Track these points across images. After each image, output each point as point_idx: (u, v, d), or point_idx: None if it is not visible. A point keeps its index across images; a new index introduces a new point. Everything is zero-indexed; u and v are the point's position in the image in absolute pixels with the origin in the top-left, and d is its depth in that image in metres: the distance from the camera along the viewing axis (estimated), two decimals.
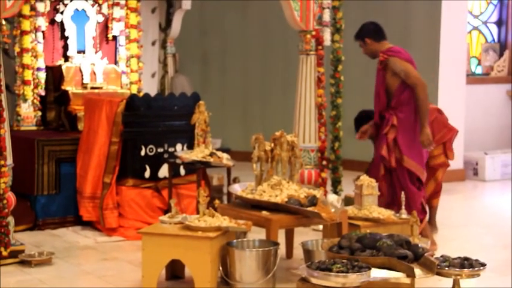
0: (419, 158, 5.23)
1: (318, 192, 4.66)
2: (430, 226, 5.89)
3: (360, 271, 3.41)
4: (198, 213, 4.48)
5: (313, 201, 4.49)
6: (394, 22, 8.91)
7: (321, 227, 5.32)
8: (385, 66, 5.28)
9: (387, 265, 3.56)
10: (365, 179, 4.89)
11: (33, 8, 6.53)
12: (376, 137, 5.41)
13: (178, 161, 5.67)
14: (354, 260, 3.53)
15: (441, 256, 3.84)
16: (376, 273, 3.49)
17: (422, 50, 8.72)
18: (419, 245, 3.77)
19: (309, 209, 4.41)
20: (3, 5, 4.66)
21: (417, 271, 3.53)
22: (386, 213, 4.70)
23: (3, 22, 4.79)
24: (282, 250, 4.48)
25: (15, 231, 4.99)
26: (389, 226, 4.57)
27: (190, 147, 5.87)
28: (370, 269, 3.45)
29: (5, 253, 4.75)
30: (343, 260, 3.53)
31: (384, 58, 5.26)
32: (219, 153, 5.63)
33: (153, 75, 7.82)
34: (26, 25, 6.51)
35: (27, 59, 6.54)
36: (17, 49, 6.52)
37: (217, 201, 4.74)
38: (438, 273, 3.67)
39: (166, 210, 5.77)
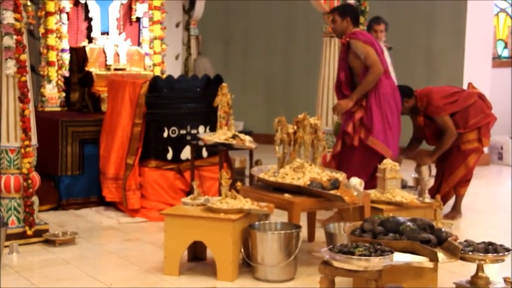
0: (384, 137, 5.31)
1: (340, 176, 4.63)
2: (455, 212, 5.84)
3: (383, 255, 3.40)
4: (220, 195, 4.48)
5: (335, 184, 4.46)
6: (420, 4, 8.81)
7: None
8: (347, 48, 5.34)
9: (410, 249, 3.54)
10: (388, 162, 4.86)
11: None
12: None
13: (200, 143, 5.67)
14: (377, 244, 3.51)
15: (465, 241, 3.81)
16: (399, 257, 3.47)
17: (448, 33, 8.62)
18: (443, 229, 3.74)
19: (332, 192, 4.39)
20: None
21: (440, 255, 3.51)
22: (409, 197, 4.66)
23: (28, 3, 4.80)
24: (303, 233, 4.46)
25: (39, 211, 5.04)
26: (412, 210, 4.54)
27: (213, 129, 5.87)
28: (392, 252, 3.43)
29: (29, 232, 4.81)
30: (366, 244, 3.51)
31: (345, 40, 5.32)
32: (242, 136, 5.62)
33: (176, 57, 7.83)
34: (51, 6, 6.53)
35: (51, 40, 6.57)
36: (41, 30, 6.56)
37: (239, 184, 4.73)
38: (462, 258, 3.64)
39: (189, 192, 5.78)
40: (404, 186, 5.37)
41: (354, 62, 5.32)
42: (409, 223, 3.69)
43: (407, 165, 6.34)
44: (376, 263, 3.37)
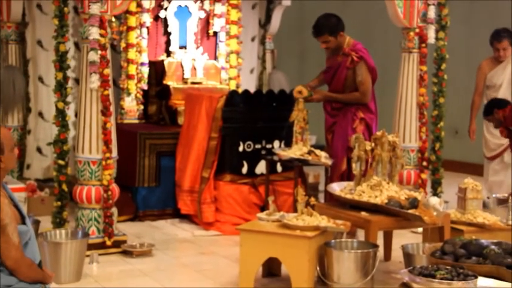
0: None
1: (419, 194, 4.53)
2: None
3: (466, 279, 3.27)
4: (294, 210, 4.46)
5: (414, 203, 4.37)
6: (500, 19, 8.57)
7: (420, 229, 5.18)
8: (353, 65, 5.55)
9: (495, 274, 3.40)
10: (469, 182, 4.72)
11: (139, 5, 6.70)
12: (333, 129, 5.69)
13: (275, 157, 5.66)
14: (459, 267, 3.39)
15: None
16: (483, 282, 3.34)
17: None
18: None
19: (410, 211, 4.30)
20: (113, 2, 4.80)
21: None
22: (492, 219, 4.51)
23: (113, 19, 4.93)
24: (380, 252, 4.38)
25: (117, 222, 5.14)
26: (495, 232, 4.39)
27: (288, 144, 5.85)
28: (476, 277, 3.31)
29: (109, 242, 4.91)
30: (447, 267, 3.39)
31: (357, 59, 5.55)
32: (317, 151, 5.57)
33: (251, 71, 7.86)
34: (132, 21, 6.69)
35: (132, 54, 6.73)
36: (122, 44, 6.72)
37: (313, 199, 4.69)
38: None
39: (263, 207, 5.79)
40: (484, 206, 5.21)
41: (351, 75, 5.57)
42: (493, 246, 3.55)
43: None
44: (459, 287, 3.26)
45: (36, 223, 4.81)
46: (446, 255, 3.62)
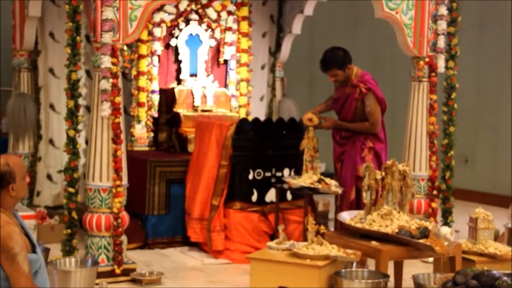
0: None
1: (430, 224, 4.51)
2: None
3: None
4: (304, 239, 4.44)
5: (425, 233, 4.35)
6: (510, 48, 8.60)
7: (431, 259, 5.16)
8: (361, 96, 5.64)
9: None
10: (480, 211, 4.70)
11: (150, 33, 6.76)
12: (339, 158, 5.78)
13: (285, 186, 5.66)
14: None
15: None
16: None
17: None
18: None
19: (421, 241, 4.27)
20: (125, 31, 4.85)
21: None
22: (504, 249, 4.48)
23: (125, 47, 4.97)
24: (390, 282, 4.35)
25: (126, 249, 5.13)
26: (507, 263, 4.35)
27: (298, 172, 5.85)
28: None
29: (118, 271, 4.90)
30: None
31: (366, 91, 5.62)
32: (327, 180, 5.57)
33: (261, 99, 7.88)
34: (143, 49, 6.75)
35: (142, 81, 6.77)
36: (133, 72, 6.77)
37: (322, 227, 4.68)
38: None
39: (272, 235, 5.77)
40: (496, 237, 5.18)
41: (360, 106, 5.64)
42: (505, 278, 3.52)
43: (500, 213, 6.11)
44: None
45: (46, 251, 4.80)
46: (458, 286, 3.58)
